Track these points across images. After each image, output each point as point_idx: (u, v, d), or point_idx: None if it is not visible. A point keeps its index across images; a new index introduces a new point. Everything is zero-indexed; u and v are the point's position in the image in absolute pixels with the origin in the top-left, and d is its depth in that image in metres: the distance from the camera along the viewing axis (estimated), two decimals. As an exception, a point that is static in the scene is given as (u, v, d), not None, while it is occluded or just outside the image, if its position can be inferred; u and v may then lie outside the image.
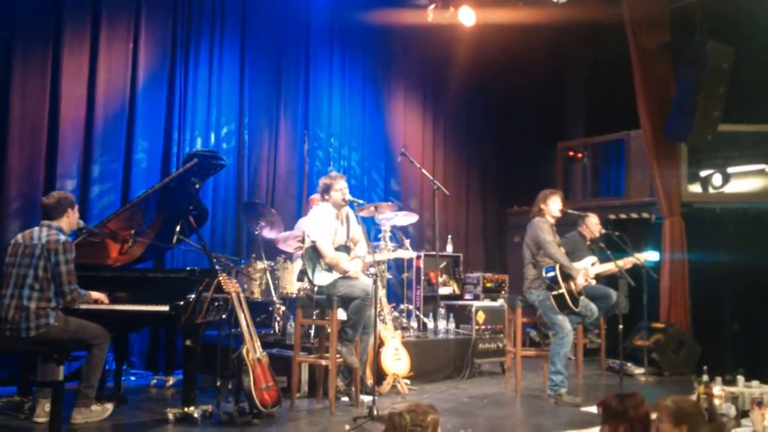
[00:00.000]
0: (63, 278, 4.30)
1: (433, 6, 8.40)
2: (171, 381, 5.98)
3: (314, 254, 5.24)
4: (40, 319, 4.22)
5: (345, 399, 5.46)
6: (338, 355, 5.08)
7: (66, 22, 6.34)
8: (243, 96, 7.67)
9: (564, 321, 5.68)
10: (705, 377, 5.73)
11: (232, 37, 7.63)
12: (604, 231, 6.86)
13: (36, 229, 4.44)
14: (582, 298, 5.90)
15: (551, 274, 5.71)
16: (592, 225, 7.06)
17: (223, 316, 5.10)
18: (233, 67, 7.62)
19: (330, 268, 5.23)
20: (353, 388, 5.35)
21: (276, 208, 7.44)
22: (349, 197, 5.32)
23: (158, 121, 6.95)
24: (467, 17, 8.49)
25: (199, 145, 7.20)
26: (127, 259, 5.32)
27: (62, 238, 4.37)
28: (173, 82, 7.10)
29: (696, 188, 8.53)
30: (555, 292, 5.66)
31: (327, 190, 5.33)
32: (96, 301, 4.62)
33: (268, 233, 6.84)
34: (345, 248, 5.38)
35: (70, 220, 4.54)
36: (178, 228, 5.11)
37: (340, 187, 5.29)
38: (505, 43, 9.26)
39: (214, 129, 7.39)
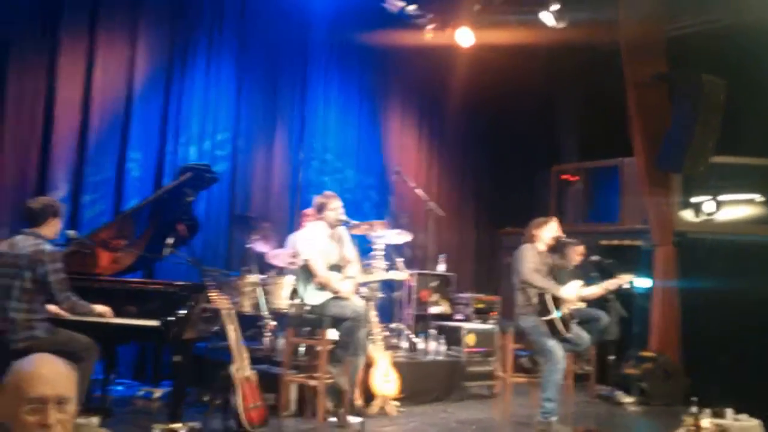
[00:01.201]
0: (55, 287, 4.20)
1: (431, 26, 8.43)
2: (158, 393, 5.88)
3: (306, 273, 5.20)
4: (27, 332, 4.12)
5: (333, 419, 5.39)
6: (328, 375, 5.02)
7: (64, 28, 6.30)
8: (239, 108, 7.65)
9: (556, 347, 5.63)
10: (694, 409, 5.72)
11: (230, 49, 7.61)
12: (595, 258, 6.85)
13: (19, 238, 4.28)
14: (573, 325, 5.88)
15: (541, 298, 5.67)
16: (580, 252, 7.07)
17: (215, 328, 5.03)
18: (230, 78, 7.59)
19: (322, 287, 5.18)
20: (341, 410, 5.29)
21: (269, 221, 7.40)
22: (343, 217, 5.29)
23: (153, 130, 6.90)
24: (465, 38, 8.52)
25: (192, 154, 7.15)
26: (117, 268, 5.25)
27: (47, 247, 4.25)
28: (169, 91, 7.06)
29: (688, 214, 8.58)
30: (545, 318, 5.62)
31: (321, 208, 5.30)
32: (100, 315, 4.46)
33: (260, 247, 6.79)
34: (337, 268, 5.35)
35: (53, 228, 4.40)
36: (169, 240, 5.06)
37: (335, 207, 5.27)
38: (503, 65, 9.31)
39: (209, 139, 7.35)
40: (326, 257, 5.28)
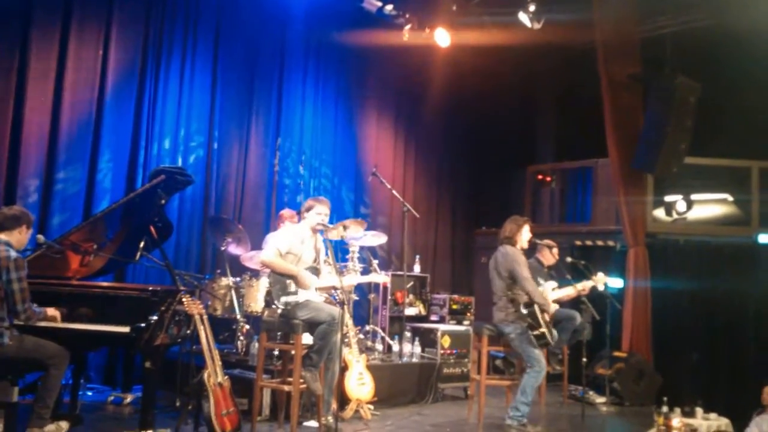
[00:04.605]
0: (16, 297, 4.12)
1: (408, 26, 8.43)
2: (129, 398, 5.85)
3: (280, 276, 5.16)
4: (-6, 339, 4.06)
5: (307, 424, 5.38)
6: (302, 381, 5.00)
7: (35, 25, 6.19)
8: (214, 107, 7.57)
9: (540, 355, 5.68)
10: (665, 408, 5.79)
11: (205, 47, 7.53)
12: (570, 260, 6.89)
13: None
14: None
15: (530, 310, 5.70)
16: (554, 254, 7.12)
17: (188, 332, 4.97)
18: (205, 77, 7.51)
19: (296, 290, 5.13)
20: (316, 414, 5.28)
21: (243, 222, 7.36)
22: (325, 224, 5.24)
23: (126, 131, 6.80)
24: (442, 39, 8.54)
25: (165, 155, 7.07)
26: (88, 271, 5.18)
27: (13, 254, 4.17)
28: (143, 90, 6.97)
29: (660, 213, 8.68)
30: (536, 332, 5.66)
31: (309, 209, 5.26)
32: (52, 318, 4.42)
33: (234, 249, 6.74)
34: (313, 270, 5.30)
35: (21, 237, 4.34)
36: (142, 244, 5.00)
37: (321, 212, 5.22)
38: (480, 66, 9.34)
39: (183, 140, 7.27)
40: (301, 256, 5.22)
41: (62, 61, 6.36)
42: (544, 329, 5.62)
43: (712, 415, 6.14)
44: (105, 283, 5.46)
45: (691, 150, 7.98)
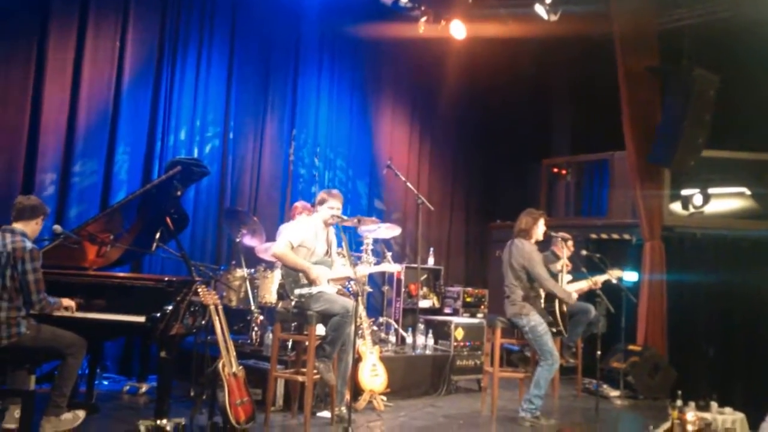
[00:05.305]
0: (31, 287, 4.15)
1: (424, 19, 8.39)
2: (144, 388, 5.91)
3: (291, 269, 5.17)
4: (11, 329, 4.09)
5: (320, 414, 5.41)
6: (315, 371, 5.02)
7: (52, 19, 6.23)
8: (229, 99, 7.60)
9: (553, 347, 5.70)
10: (679, 402, 5.77)
11: (221, 40, 7.57)
12: (585, 253, 6.86)
13: None
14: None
15: (548, 304, 5.74)
16: (570, 247, 7.08)
17: (203, 322, 5.01)
18: (221, 70, 7.55)
19: (309, 282, 5.14)
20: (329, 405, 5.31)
21: (258, 214, 7.39)
22: (338, 217, 5.26)
23: (142, 122, 6.86)
24: (458, 31, 8.50)
25: (181, 146, 7.13)
26: (104, 262, 5.22)
27: (28, 245, 4.21)
28: (159, 83, 7.01)
29: (677, 207, 8.62)
30: (554, 330, 5.68)
31: (322, 202, 5.28)
32: (66, 308, 4.46)
33: (249, 241, 6.77)
34: (325, 263, 5.31)
35: (35, 228, 4.38)
36: (158, 235, 5.04)
37: (334, 206, 5.23)
38: (495, 58, 9.29)
39: (198, 130, 7.32)
40: (314, 249, 5.24)
41: (80, 54, 6.41)
42: (560, 324, 5.64)
43: (727, 410, 6.11)
44: (121, 274, 5.51)
45: (708, 143, 7.91)
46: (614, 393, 7.24)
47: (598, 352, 6.29)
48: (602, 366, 7.29)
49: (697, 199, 8.57)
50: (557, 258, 7.02)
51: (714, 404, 6.08)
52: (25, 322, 4.18)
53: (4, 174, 5.95)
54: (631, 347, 7.61)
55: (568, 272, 6.85)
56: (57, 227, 4.67)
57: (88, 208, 6.30)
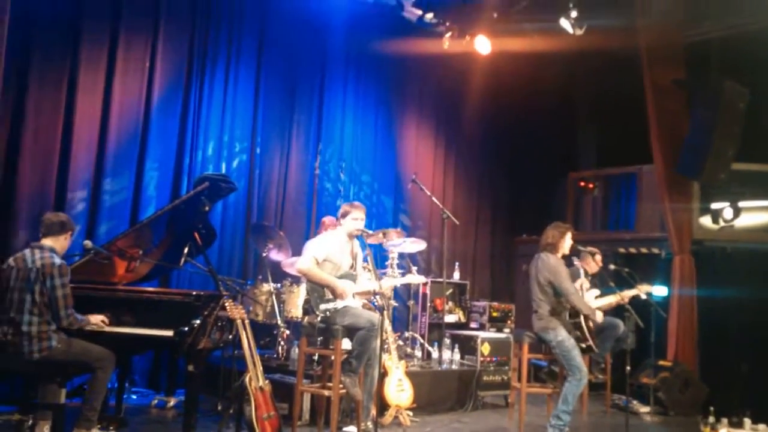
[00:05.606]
0: (59, 302, 4.23)
1: (449, 34, 8.44)
2: (172, 402, 5.96)
3: (317, 284, 5.20)
4: (42, 342, 4.18)
5: (346, 429, 5.41)
6: (341, 386, 5.03)
7: (84, 39, 6.38)
8: (257, 115, 7.71)
9: (581, 363, 5.61)
10: (711, 419, 5.67)
11: (249, 57, 7.69)
12: (613, 267, 6.79)
13: (27, 251, 4.34)
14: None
15: (575, 320, 5.69)
16: (598, 262, 7.03)
17: (230, 337, 5.04)
18: (248, 86, 7.66)
19: (334, 296, 5.17)
20: (355, 420, 5.30)
21: (284, 229, 7.44)
22: (362, 229, 5.29)
23: (171, 139, 6.98)
24: (483, 46, 8.53)
25: (209, 162, 7.23)
26: (133, 277, 5.29)
27: (57, 261, 4.30)
28: (188, 99, 7.14)
29: (707, 221, 8.50)
30: (583, 345, 5.64)
31: (345, 215, 5.31)
32: (97, 324, 4.52)
33: (275, 255, 6.83)
34: (350, 276, 5.34)
35: (64, 244, 4.47)
36: (186, 250, 5.10)
37: (357, 217, 5.27)
38: (520, 72, 9.30)
39: (226, 145, 7.43)
40: (339, 263, 5.26)
41: (110, 73, 6.55)
42: (590, 342, 5.59)
43: (761, 427, 6.00)
44: (150, 288, 5.56)
45: (738, 156, 7.80)
46: (644, 409, 7.14)
47: (628, 368, 6.20)
48: (632, 381, 7.19)
49: (728, 213, 8.44)
50: (585, 273, 6.96)
51: (747, 421, 5.97)
52: (56, 336, 4.25)
53: (37, 194, 6.06)
54: (661, 362, 7.50)
55: (595, 287, 6.80)
56: (87, 242, 4.74)
57: (118, 224, 6.40)
